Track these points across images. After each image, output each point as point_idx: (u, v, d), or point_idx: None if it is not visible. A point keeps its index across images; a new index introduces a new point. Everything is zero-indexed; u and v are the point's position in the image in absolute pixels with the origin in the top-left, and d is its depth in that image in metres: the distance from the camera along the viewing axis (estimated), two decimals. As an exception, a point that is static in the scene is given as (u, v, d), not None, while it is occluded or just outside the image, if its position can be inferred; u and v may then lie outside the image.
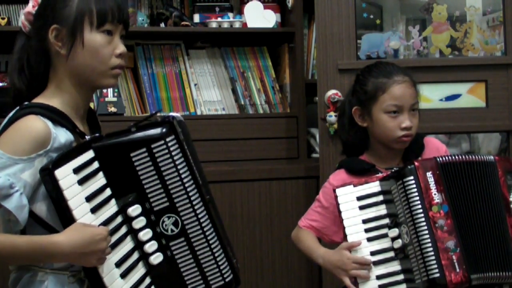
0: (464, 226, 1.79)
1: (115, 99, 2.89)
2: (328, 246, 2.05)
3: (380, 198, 1.88)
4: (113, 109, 2.86)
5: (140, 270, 1.54)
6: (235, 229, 2.88)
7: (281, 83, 3.16)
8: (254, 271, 2.90)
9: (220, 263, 1.57)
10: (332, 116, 2.68)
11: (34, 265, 1.49)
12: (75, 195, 1.43)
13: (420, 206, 1.77)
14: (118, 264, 1.49)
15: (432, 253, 1.74)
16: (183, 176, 1.53)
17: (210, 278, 1.56)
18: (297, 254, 2.88)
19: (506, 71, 2.72)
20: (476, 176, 1.83)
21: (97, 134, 1.54)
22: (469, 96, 2.74)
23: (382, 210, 1.87)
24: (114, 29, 1.54)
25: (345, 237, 1.88)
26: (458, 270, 1.74)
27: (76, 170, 1.44)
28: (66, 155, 1.44)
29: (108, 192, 1.50)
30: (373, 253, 1.85)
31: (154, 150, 1.50)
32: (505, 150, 2.98)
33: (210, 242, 1.56)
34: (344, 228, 1.89)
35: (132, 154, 1.50)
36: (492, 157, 1.87)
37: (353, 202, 1.89)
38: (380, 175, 1.92)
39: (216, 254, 1.57)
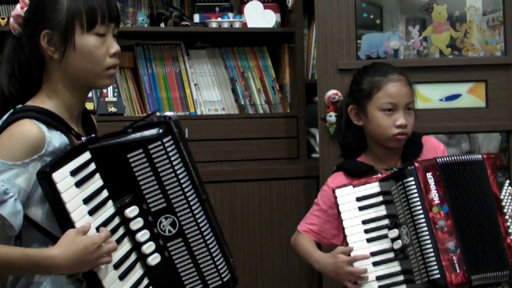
0: (463, 227, 1.79)
1: (115, 99, 2.88)
2: (328, 250, 2.04)
3: (380, 198, 1.88)
4: (113, 109, 2.86)
5: (138, 271, 1.53)
6: (235, 229, 2.88)
7: (281, 83, 3.16)
8: (254, 271, 2.90)
9: (217, 263, 1.57)
10: (332, 116, 2.68)
11: None
12: (73, 198, 1.42)
13: (420, 207, 1.77)
14: (117, 266, 1.48)
15: (433, 254, 1.74)
16: (180, 176, 1.52)
17: (208, 278, 1.56)
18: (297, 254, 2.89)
19: (506, 71, 2.72)
20: (468, 176, 1.84)
21: (93, 136, 1.53)
22: (469, 96, 2.74)
23: (381, 211, 1.87)
24: (106, 30, 1.52)
25: (344, 237, 1.88)
26: (458, 271, 1.74)
27: (73, 173, 1.43)
28: (62, 157, 1.43)
29: (105, 193, 1.50)
30: (372, 254, 1.85)
31: (151, 151, 1.50)
32: (505, 150, 2.97)
33: (208, 242, 1.56)
34: (343, 229, 1.89)
35: (129, 155, 1.49)
36: (480, 156, 1.87)
37: (353, 203, 1.89)
38: (379, 175, 1.92)
39: (214, 254, 1.56)
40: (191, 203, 1.54)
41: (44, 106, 1.50)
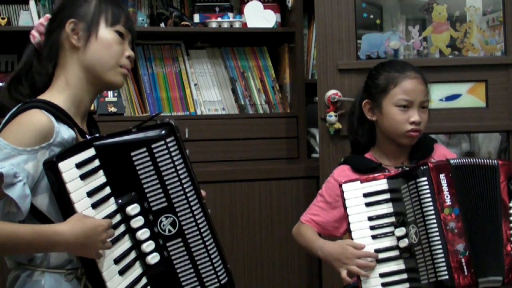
0: (473, 230, 1.78)
1: (115, 99, 2.89)
2: (327, 239, 2.04)
3: (388, 196, 1.86)
4: (113, 109, 2.86)
5: (137, 270, 1.54)
6: (235, 229, 2.88)
7: (281, 83, 3.16)
8: (254, 271, 2.90)
9: (216, 265, 1.58)
10: (332, 116, 2.68)
11: (31, 264, 1.50)
12: (77, 189, 1.44)
13: (432, 208, 1.76)
14: (117, 261, 1.49)
15: (442, 255, 1.74)
16: (181, 176, 1.54)
17: (206, 280, 1.57)
18: (297, 254, 2.89)
19: (506, 71, 2.72)
20: (479, 179, 1.83)
21: (96, 135, 1.56)
22: (469, 96, 2.74)
23: (389, 208, 1.86)
24: (125, 33, 1.63)
25: (349, 233, 1.87)
26: (466, 273, 1.73)
27: (79, 165, 1.45)
28: (69, 150, 1.45)
29: (107, 190, 1.51)
30: (377, 251, 1.84)
31: (154, 150, 1.52)
32: (505, 150, 2.98)
33: (207, 243, 1.57)
34: (349, 224, 1.87)
35: (132, 154, 1.51)
36: (495, 161, 1.86)
37: (360, 199, 1.87)
38: (387, 173, 1.91)
39: (212, 256, 1.57)
40: (192, 203, 1.55)
41: (53, 100, 1.54)
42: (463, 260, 1.74)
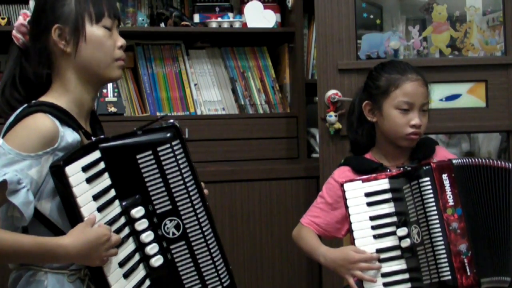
0: (475, 230, 1.78)
1: (115, 99, 2.89)
2: (330, 242, 2.04)
3: (389, 195, 1.86)
4: (113, 109, 2.86)
5: (141, 272, 1.54)
6: (235, 229, 2.88)
7: (281, 83, 3.16)
8: (254, 271, 2.90)
9: (218, 267, 1.58)
10: (332, 116, 2.68)
11: (34, 264, 1.50)
12: (83, 193, 1.44)
13: (435, 208, 1.75)
14: (122, 264, 1.49)
15: (445, 255, 1.73)
16: (186, 180, 1.54)
17: (209, 282, 1.57)
18: (297, 253, 2.88)
19: (506, 71, 2.72)
20: (490, 181, 1.82)
21: (101, 136, 1.55)
22: (469, 96, 2.74)
23: (390, 208, 1.86)
24: (111, 24, 1.58)
25: (351, 233, 1.87)
26: (469, 273, 1.73)
27: (85, 169, 1.45)
28: (74, 153, 1.45)
29: (112, 193, 1.51)
30: (379, 251, 1.84)
31: (160, 153, 1.52)
32: (505, 150, 2.98)
33: (210, 246, 1.57)
34: (350, 224, 1.87)
35: (138, 156, 1.51)
36: (510, 164, 1.84)
37: (361, 198, 1.87)
38: (389, 172, 1.90)
39: (215, 259, 1.57)
40: (196, 206, 1.55)
41: (57, 103, 1.52)
42: (465, 261, 1.74)
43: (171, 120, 1.58)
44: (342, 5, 2.72)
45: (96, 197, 1.46)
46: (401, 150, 2.05)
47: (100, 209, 1.47)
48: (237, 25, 3.05)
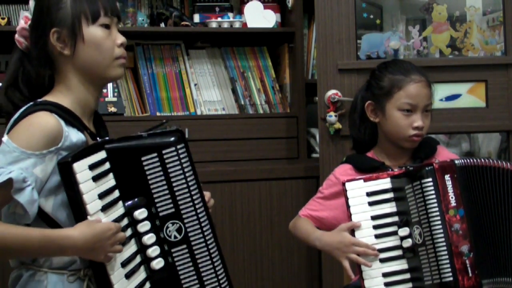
0: (478, 231, 1.77)
1: (115, 99, 2.89)
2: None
3: (391, 195, 1.85)
4: (113, 109, 2.86)
5: (141, 274, 1.54)
6: (235, 229, 2.88)
7: (281, 83, 3.16)
8: (254, 271, 2.90)
9: (218, 272, 1.58)
10: (332, 116, 2.68)
11: (34, 264, 1.50)
12: (90, 191, 1.44)
13: (437, 209, 1.75)
14: (124, 264, 1.50)
15: (447, 256, 1.73)
16: (190, 184, 1.54)
17: (208, 287, 1.57)
18: (297, 254, 2.88)
19: (506, 71, 2.72)
20: (492, 181, 1.80)
21: (106, 138, 1.56)
22: (469, 96, 2.74)
23: (392, 207, 1.85)
24: (110, 21, 1.57)
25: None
26: (470, 275, 1.72)
27: (91, 167, 1.46)
28: (81, 152, 1.46)
29: (116, 193, 1.52)
30: (380, 250, 1.83)
31: (165, 156, 1.52)
32: (505, 150, 2.98)
33: (211, 251, 1.57)
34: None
35: (143, 158, 1.52)
36: None
37: (363, 197, 1.86)
38: (391, 172, 1.90)
39: (216, 264, 1.57)
40: (198, 210, 1.55)
41: (60, 103, 1.52)
42: (467, 262, 1.73)
43: (175, 126, 1.59)
44: (342, 5, 2.72)
45: (101, 196, 1.47)
46: (403, 149, 2.05)
47: (104, 208, 1.47)
48: (237, 25, 3.05)
